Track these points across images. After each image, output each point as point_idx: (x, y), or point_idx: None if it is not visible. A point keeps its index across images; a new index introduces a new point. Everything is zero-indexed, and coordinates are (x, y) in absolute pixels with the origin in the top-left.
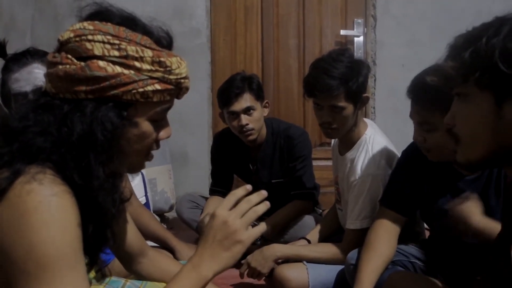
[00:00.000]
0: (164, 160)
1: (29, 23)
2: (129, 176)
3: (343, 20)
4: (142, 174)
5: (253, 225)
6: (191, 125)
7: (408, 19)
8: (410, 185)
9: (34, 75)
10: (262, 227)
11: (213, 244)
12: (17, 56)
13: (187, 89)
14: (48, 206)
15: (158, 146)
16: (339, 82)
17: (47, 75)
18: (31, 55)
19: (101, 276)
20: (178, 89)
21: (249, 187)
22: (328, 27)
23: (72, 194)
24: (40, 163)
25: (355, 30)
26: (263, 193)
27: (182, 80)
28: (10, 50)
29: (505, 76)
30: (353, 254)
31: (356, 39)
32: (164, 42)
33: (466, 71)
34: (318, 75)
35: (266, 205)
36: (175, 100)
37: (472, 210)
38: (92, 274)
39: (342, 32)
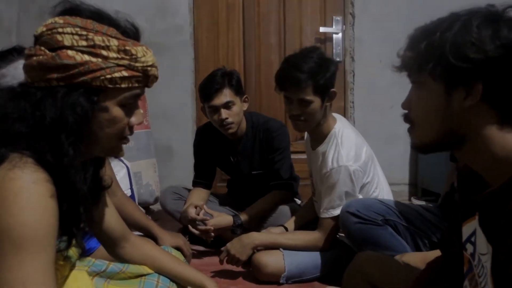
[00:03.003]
0: (149, 154)
1: (14, 21)
2: (114, 169)
3: (322, 17)
4: (127, 167)
5: (233, 215)
6: (175, 120)
7: (385, 17)
8: None
9: (20, 71)
10: None
11: None
12: (3, 53)
13: (155, 77)
14: (27, 193)
15: (131, 132)
16: (307, 76)
17: (24, 67)
18: (18, 52)
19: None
20: (146, 77)
21: None
22: (308, 25)
23: (51, 182)
24: (20, 150)
25: (334, 27)
26: None
27: (149, 68)
28: None
29: (454, 67)
30: (351, 204)
31: (335, 36)
32: (130, 32)
33: (421, 61)
34: (288, 70)
35: None
36: (160, 96)
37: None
38: (76, 255)
39: (322, 29)
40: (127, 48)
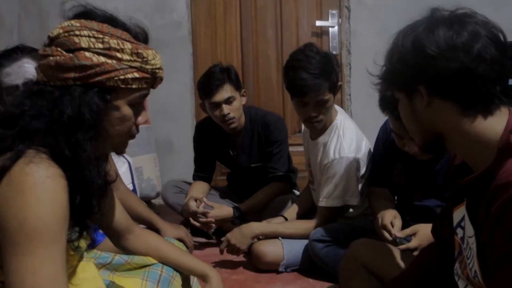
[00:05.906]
0: (150, 149)
1: (15, 21)
2: (116, 165)
3: (318, 11)
4: (129, 162)
5: (233, 206)
6: (175, 115)
7: (380, 9)
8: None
9: (25, 69)
10: None
11: None
12: (7, 52)
13: (161, 79)
14: (42, 187)
15: (137, 130)
16: (324, 79)
17: (39, 67)
18: (21, 51)
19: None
20: (154, 78)
21: None
22: (304, 19)
23: (64, 177)
24: (37, 147)
25: (330, 21)
26: None
27: (157, 70)
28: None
29: (399, 74)
30: (315, 232)
31: (331, 29)
32: (141, 37)
33: (390, 79)
34: (305, 76)
35: None
36: (160, 92)
37: None
38: (84, 246)
39: (318, 23)
40: (139, 51)
